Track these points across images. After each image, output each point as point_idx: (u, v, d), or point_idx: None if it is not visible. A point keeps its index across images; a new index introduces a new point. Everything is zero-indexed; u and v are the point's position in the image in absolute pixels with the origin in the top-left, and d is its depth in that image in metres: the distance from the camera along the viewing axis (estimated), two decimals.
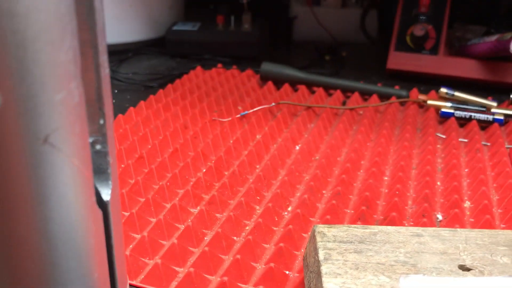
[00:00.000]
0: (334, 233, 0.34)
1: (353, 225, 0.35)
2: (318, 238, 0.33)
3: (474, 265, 0.31)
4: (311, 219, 0.43)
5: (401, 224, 0.42)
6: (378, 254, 0.32)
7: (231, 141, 0.55)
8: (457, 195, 0.46)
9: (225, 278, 0.34)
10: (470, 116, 0.63)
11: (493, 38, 0.74)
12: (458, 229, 0.34)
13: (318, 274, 0.30)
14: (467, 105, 0.65)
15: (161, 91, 0.69)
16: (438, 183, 0.50)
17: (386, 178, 0.50)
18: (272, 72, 0.74)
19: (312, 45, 0.97)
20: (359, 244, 0.33)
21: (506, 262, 0.31)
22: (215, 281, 0.35)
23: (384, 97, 0.70)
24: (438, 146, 0.58)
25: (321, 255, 0.32)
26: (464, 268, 0.31)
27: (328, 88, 0.73)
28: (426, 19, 0.79)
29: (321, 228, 0.34)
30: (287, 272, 0.36)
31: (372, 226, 0.34)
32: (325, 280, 0.29)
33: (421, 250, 0.32)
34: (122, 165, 0.51)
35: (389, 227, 0.34)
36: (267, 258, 0.38)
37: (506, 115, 0.63)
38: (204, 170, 0.49)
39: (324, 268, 0.30)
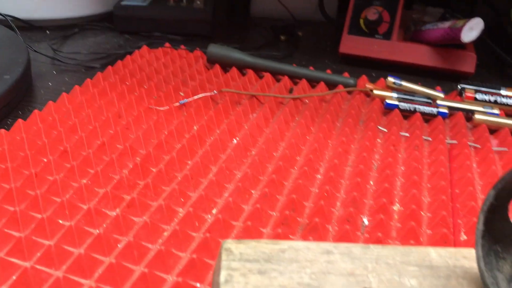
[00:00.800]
0: (242, 250, 0.32)
1: (263, 240, 0.33)
2: (224, 256, 0.32)
3: None
4: (234, 223, 0.42)
5: (325, 230, 0.41)
6: (282, 275, 0.31)
7: (166, 133, 0.53)
8: (386, 198, 0.45)
9: None
10: (415, 108, 0.61)
11: (446, 25, 0.72)
12: (371, 246, 0.33)
13: None
14: (413, 96, 0.64)
15: (99, 74, 0.65)
16: (371, 182, 0.49)
17: (319, 176, 0.49)
18: (218, 55, 0.71)
19: (270, 23, 0.94)
20: (265, 264, 0.31)
21: (413, 285, 0.30)
22: None
23: (331, 84, 0.68)
24: (378, 140, 0.57)
25: (222, 277, 0.30)
26: None
27: (276, 74, 0.71)
28: (380, 2, 0.76)
29: (228, 244, 0.33)
30: (198, 285, 0.35)
31: (283, 242, 0.33)
32: None
33: (328, 271, 0.31)
34: (45, 160, 0.48)
35: (299, 243, 0.33)
36: (180, 269, 0.36)
37: (451, 108, 0.62)
38: (131, 167, 0.47)
39: None
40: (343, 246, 0.33)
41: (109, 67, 0.68)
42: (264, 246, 0.33)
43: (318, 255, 0.32)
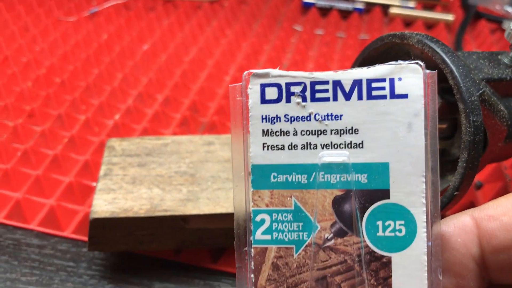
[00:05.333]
0: (125, 146, 0.33)
1: (147, 137, 0.34)
2: (106, 153, 0.33)
3: None
4: (134, 126, 0.42)
5: (225, 127, 0.42)
6: (161, 166, 0.32)
7: (72, 44, 0.52)
8: None
9: (20, 195, 0.34)
10: (332, 5, 0.61)
11: None
12: None
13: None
14: None
15: None
16: None
17: (227, 78, 0.50)
18: None
19: None
20: (146, 157, 0.33)
21: None
22: (14, 199, 0.35)
23: None
24: (293, 40, 0.57)
25: (102, 171, 0.32)
26: None
27: None
28: None
29: (112, 142, 0.34)
30: (93, 184, 0.36)
31: (166, 137, 0.34)
32: (96, 196, 0.30)
33: (206, 159, 0.33)
34: None
35: (183, 137, 0.34)
36: (76, 171, 0.37)
37: (368, 3, 0.62)
38: (34, 78, 0.47)
39: (99, 185, 0.30)
40: (225, 137, 0.35)
41: None
42: (147, 142, 0.34)
43: (199, 146, 0.34)
